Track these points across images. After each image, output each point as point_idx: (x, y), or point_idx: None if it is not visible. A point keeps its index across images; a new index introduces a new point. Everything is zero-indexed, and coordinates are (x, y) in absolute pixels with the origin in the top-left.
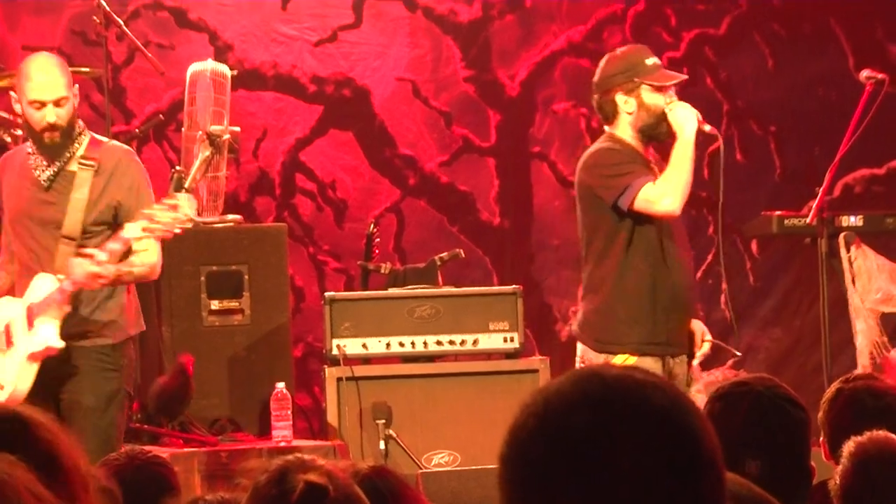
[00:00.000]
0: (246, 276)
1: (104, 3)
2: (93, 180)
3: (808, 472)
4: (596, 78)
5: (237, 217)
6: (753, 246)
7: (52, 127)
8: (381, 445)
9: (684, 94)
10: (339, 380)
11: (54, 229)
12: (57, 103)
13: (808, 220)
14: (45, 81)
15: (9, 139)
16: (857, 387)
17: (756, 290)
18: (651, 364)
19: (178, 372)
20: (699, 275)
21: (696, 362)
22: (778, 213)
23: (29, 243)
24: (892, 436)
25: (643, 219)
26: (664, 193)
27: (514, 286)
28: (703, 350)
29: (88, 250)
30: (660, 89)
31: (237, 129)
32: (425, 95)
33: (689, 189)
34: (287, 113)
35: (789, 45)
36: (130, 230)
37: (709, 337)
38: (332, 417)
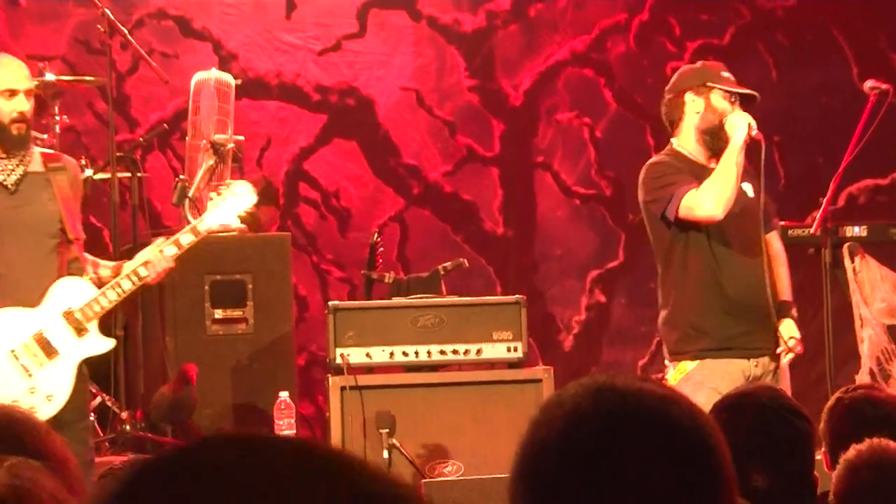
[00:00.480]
0: (249, 286)
1: (108, 12)
2: (64, 180)
3: (812, 483)
4: (668, 87)
5: (241, 226)
6: None
7: (22, 117)
8: (385, 455)
9: None
10: (342, 389)
11: (41, 233)
12: (28, 93)
13: (811, 230)
14: (16, 71)
15: None
16: (856, 396)
17: None
18: (717, 366)
19: (182, 381)
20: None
21: (784, 362)
22: (782, 223)
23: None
24: (891, 443)
25: (695, 228)
26: (705, 198)
27: (517, 296)
28: (781, 349)
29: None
30: (729, 96)
31: (241, 138)
32: (429, 105)
33: (734, 194)
34: (291, 122)
35: (792, 55)
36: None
37: (795, 335)
38: (335, 426)
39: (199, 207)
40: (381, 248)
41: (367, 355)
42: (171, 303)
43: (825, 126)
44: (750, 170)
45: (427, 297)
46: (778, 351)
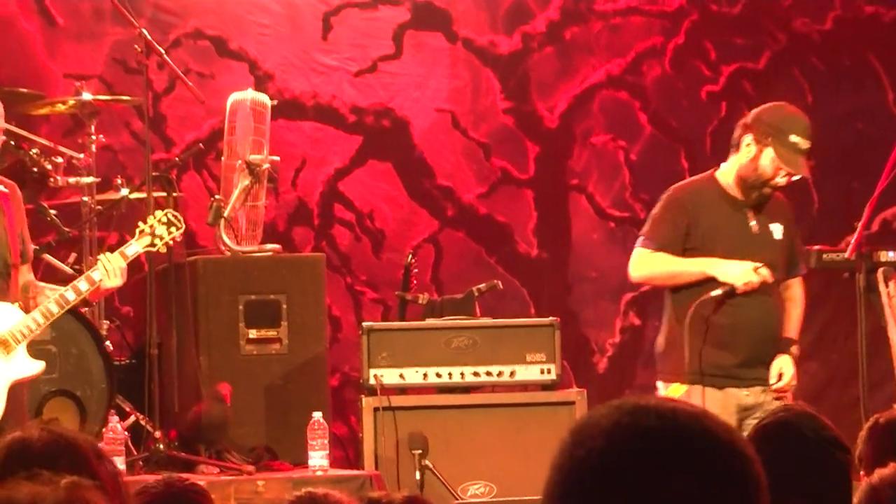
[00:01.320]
0: (284, 306)
1: (145, 32)
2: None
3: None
4: (756, 110)
5: (275, 247)
6: None
7: None
8: (417, 476)
9: (723, 128)
10: (375, 409)
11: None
12: None
13: (846, 254)
14: None
15: (49, 166)
16: (892, 417)
17: None
18: (709, 393)
19: (216, 400)
20: None
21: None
22: (816, 247)
23: None
24: None
25: (692, 255)
26: (636, 264)
27: (551, 318)
28: (772, 383)
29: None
30: (779, 166)
31: (276, 158)
32: (464, 126)
33: (661, 280)
34: (326, 143)
35: (828, 80)
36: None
37: (787, 370)
38: (368, 447)
39: (233, 227)
40: (416, 270)
41: (401, 376)
42: (206, 322)
43: (860, 151)
44: (788, 212)
45: (461, 319)
46: (771, 385)
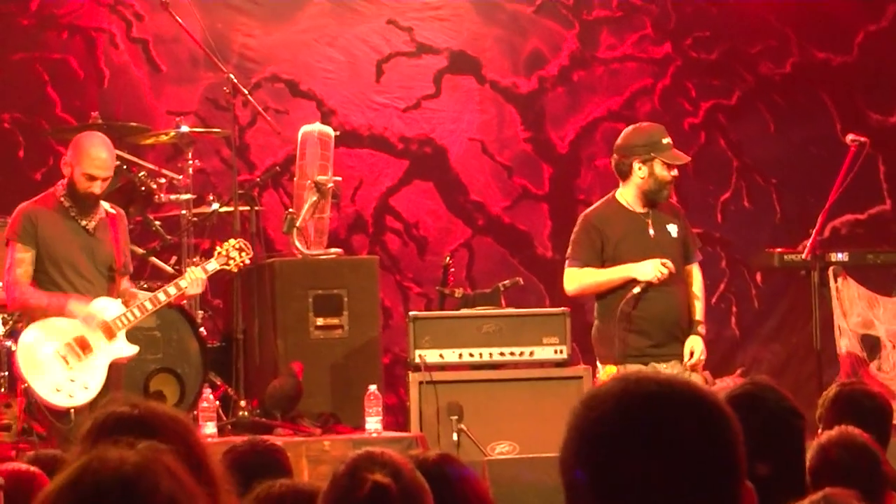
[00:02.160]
0: (345, 299)
1: (232, 77)
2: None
3: (803, 468)
4: (619, 142)
5: (338, 250)
6: (758, 277)
7: (92, 196)
8: (454, 437)
9: (703, 153)
10: (420, 383)
11: (101, 265)
12: (105, 180)
13: (803, 255)
14: (106, 162)
15: (154, 186)
16: (854, 389)
17: (759, 312)
18: (635, 369)
19: (290, 376)
20: (714, 300)
21: (689, 371)
22: (778, 250)
23: (79, 278)
24: (856, 430)
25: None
26: (568, 281)
27: (562, 308)
28: (686, 360)
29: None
30: (669, 166)
31: (339, 178)
32: (491, 152)
33: (591, 290)
34: (379, 166)
35: (787, 113)
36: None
37: (696, 348)
38: (414, 414)
39: (304, 235)
40: (452, 269)
41: (441, 356)
42: (281, 312)
43: (814, 171)
44: (679, 213)
45: (489, 309)
46: (684, 363)
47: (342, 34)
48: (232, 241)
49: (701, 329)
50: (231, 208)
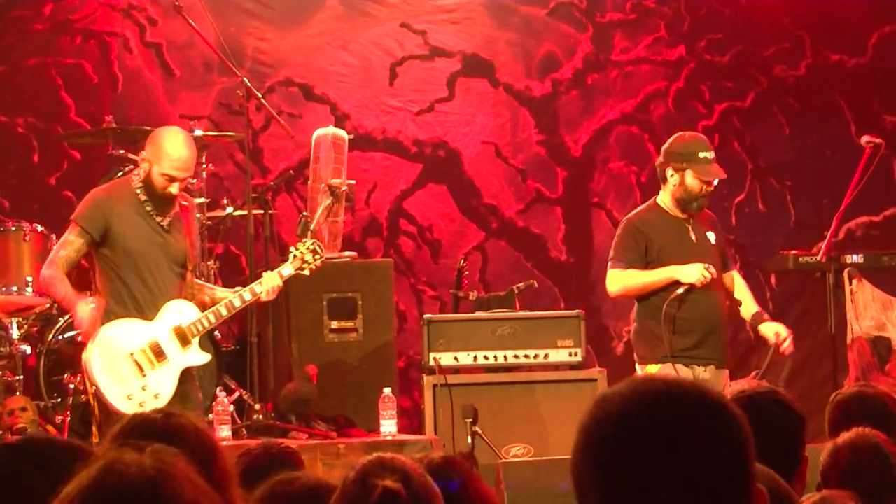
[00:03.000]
0: (359, 302)
1: (246, 81)
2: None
3: (797, 458)
4: (664, 147)
5: (352, 254)
6: (772, 279)
7: (170, 196)
8: (469, 440)
9: (717, 156)
10: (434, 386)
11: (174, 263)
12: (182, 181)
13: (818, 258)
14: (186, 162)
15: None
16: (849, 394)
17: (774, 315)
18: (681, 371)
19: (305, 379)
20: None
21: (785, 347)
22: (793, 252)
23: (153, 275)
24: (871, 432)
25: (652, 268)
26: (612, 282)
27: (577, 311)
28: (774, 342)
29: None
30: (700, 179)
31: (352, 182)
32: (505, 155)
33: (636, 291)
34: (393, 170)
35: (801, 116)
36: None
37: (779, 329)
38: (428, 417)
39: (318, 238)
40: (467, 272)
41: (455, 359)
42: (296, 315)
43: (828, 173)
44: (715, 222)
45: (503, 312)
46: (773, 344)
47: (355, 38)
48: (307, 243)
49: (766, 316)
50: (245, 212)
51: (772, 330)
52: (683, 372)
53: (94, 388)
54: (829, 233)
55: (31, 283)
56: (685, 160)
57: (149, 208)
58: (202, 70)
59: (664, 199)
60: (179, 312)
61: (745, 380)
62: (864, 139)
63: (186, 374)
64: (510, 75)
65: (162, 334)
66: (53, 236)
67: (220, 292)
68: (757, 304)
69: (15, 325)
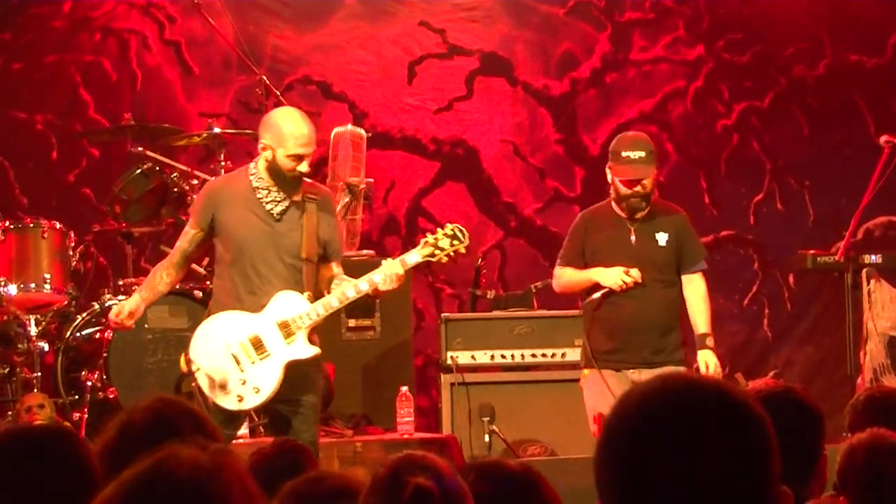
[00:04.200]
0: (377, 300)
1: (265, 79)
2: (313, 208)
3: (814, 457)
4: None
5: (370, 252)
6: (791, 279)
7: (300, 175)
8: (486, 438)
9: (735, 155)
10: (452, 385)
11: (285, 254)
12: (309, 156)
13: (836, 257)
14: (309, 139)
15: (187, 187)
16: (884, 392)
17: (793, 314)
18: (605, 373)
19: (322, 377)
20: (746, 302)
21: None
22: (811, 252)
23: (259, 265)
24: (887, 432)
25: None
26: (554, 279)
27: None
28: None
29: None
30: (620, 179)
31: (371, 180)
32: (523, 154)
33: (570, 289)
34: (411, 168)
35: (821, 115)
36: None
37: (710, 361)
38: (446, 415)
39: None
40: (485, 271)
41: (472, 357)
42: None
43: (847, 173)
44: (679, 221)
45: (521, 311)
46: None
47: (374, 36)
48: (447, 227)
49: (710, 342)
50: None
51: (702, 360)
52: (609, 376)
53: (194, 382)
54: (848, 233)
55: (49, 280)
56: (611, 159)
57: (260, 196)
58: (221, 68)
59: (611, 197)
60: (286, 304)
61: (761, 380)
62: (883, 139)
63: (304, 377)
64: (529, 74)
65: (265, 327)
66: (72, 233)
67: (347, 284)
68: (708, 323)
69: (33, 322)
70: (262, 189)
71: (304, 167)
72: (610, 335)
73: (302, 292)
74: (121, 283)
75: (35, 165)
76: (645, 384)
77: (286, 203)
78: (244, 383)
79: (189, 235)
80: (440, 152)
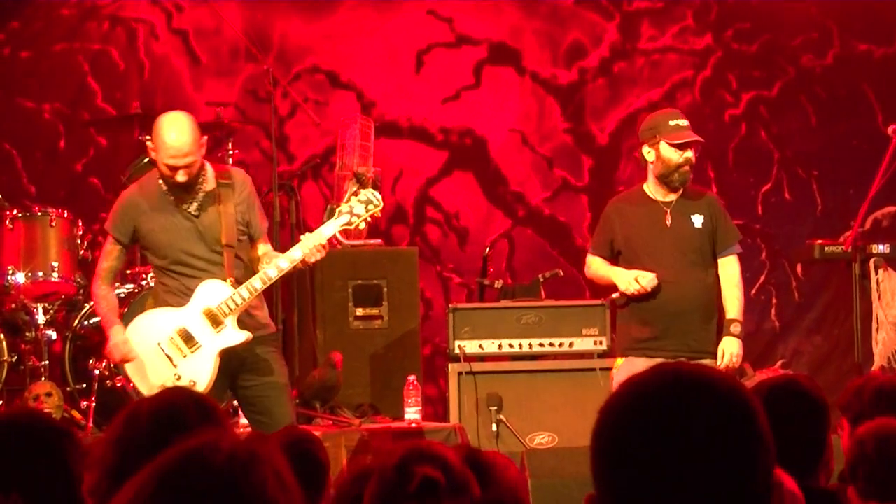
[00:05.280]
0: (385, 289)
1: (270, 70)
2: (229, 193)
3: (821, 447)
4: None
5: (378, 241)
6: (798, 269)
7: (178, 183)
8: (493, 428)
9: (743, 145)
10: (459, 374)
11: (213, 243)
12: (190, 164)
13: (844, 247)
14: (183, 147)
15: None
16: (889, 380)
17: (800, 304)
18: (638, 363)
19: (329, 366)
20: (753, 292)
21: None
22: (819, 241)
23: (191, 260)
24: (893, 421)
25: (625, 255)
26: (586, 266)
27: (602, 300)
28: (721, 363)
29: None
30: (679, 147)
31: (379, 169)
32: (532, 143)
33: (597, 280)
34: (419, 157)
35: (829, 105)
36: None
37: (732, 351)
38: (453, 404)
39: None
40: (492, 260)
41: (480, 347)
42: (321, 302)
43: (855, 163)
44: (713, 202)
45: (529, 300)
46: (719, 365)
47: (382, 25)
48: (361, 193)
49: (735, 328)
50: (271, 199)
51: (721, 347)
52: (641, 365)
53: (130, 385)
54: (856, 222)
55: (56, 269)
56: (656, 132)
57: (172, 198)
58: (228, 57)
59: (649, 181)
60: (209, 293)
61: (769, 369)
62: (891, 128)
63: (264, 362)
64: (537, 63)
65: (191, 319)
66: (80, 222)
67: (273, 262)
68: (738, 309)
69: (41, 311)
70: (169, 192)
71: (180, 177)
72: (648, 322)
73: (224, 279)
74: (128, 271)
75: (43, 154)
76: (638, 376)
77: (199, 197)
78: (179, 378)
79: (114, 254)
80: (448, 142)
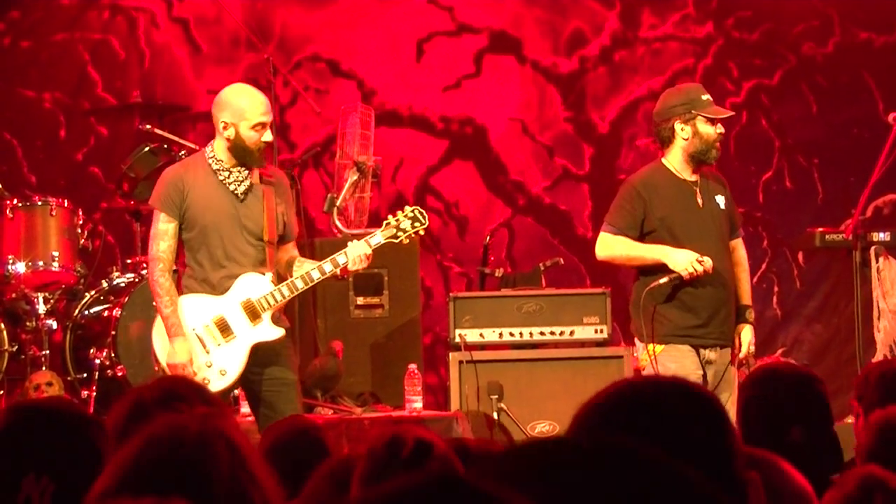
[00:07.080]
0: (386, 278)
1: (271, 60)
2: (271, 192)
3: (832, 430)
4: (657, 108)
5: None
6: (800, 257)
7: (265, 146)
8: (495, 416)
9: (745, 133)
10: (460, 363)
11: (249, 235)
12: (272, 125)
13: (844, 235)
14: (265, 105)
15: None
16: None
17: (801, 292)
18: (679, 351)
19: (330, 355)
20: (755, 280)
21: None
22: (820, 229)
23: (227, 247)
24: None
25: (658, 233)
26: (600, 246)
27: (603, 288)
28: (741, 354)
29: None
30: (712, 121)
31: (379, 158)
32: (532, 132)
33: (621, 262)
34: (420, 146)
35: (830, 93)
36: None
37: (743, 347)
38: (454, 393)
39: (345, 214)
40: (493, 249)
41: (481, 335)
42: (322, 291)
43: (856, 151)
44: (725, 183)
45: (530, 289)
46: (739, 356)
47: (383, 13)
48: (407, 210)
49: (750, 315)
50: None
51: (741, 337)
52: (686, 353)
53: (157, 368)
54: (856, 210)
55: (57, 258)
56: (692, 107)
57: (222, 178)
58: (229, 46)
59: (671, 160)
60: (250, 286)
61: (770, 358)
62: (892, 117)
63: (277, 356)
64: (537, 52)
65: (230, 309)
66: (80, 211)
67: (309, 265)
68: (749, 294)
69: (41, 300)
70: (223, 171)
71: (268, 136)
72: (691, 309)
73: (265, 274)
74: (129, 261)
75: (43, 144)
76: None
77: (248, 183)
78: (210, 366)
79: (170, 232)
80: (448, 130)
